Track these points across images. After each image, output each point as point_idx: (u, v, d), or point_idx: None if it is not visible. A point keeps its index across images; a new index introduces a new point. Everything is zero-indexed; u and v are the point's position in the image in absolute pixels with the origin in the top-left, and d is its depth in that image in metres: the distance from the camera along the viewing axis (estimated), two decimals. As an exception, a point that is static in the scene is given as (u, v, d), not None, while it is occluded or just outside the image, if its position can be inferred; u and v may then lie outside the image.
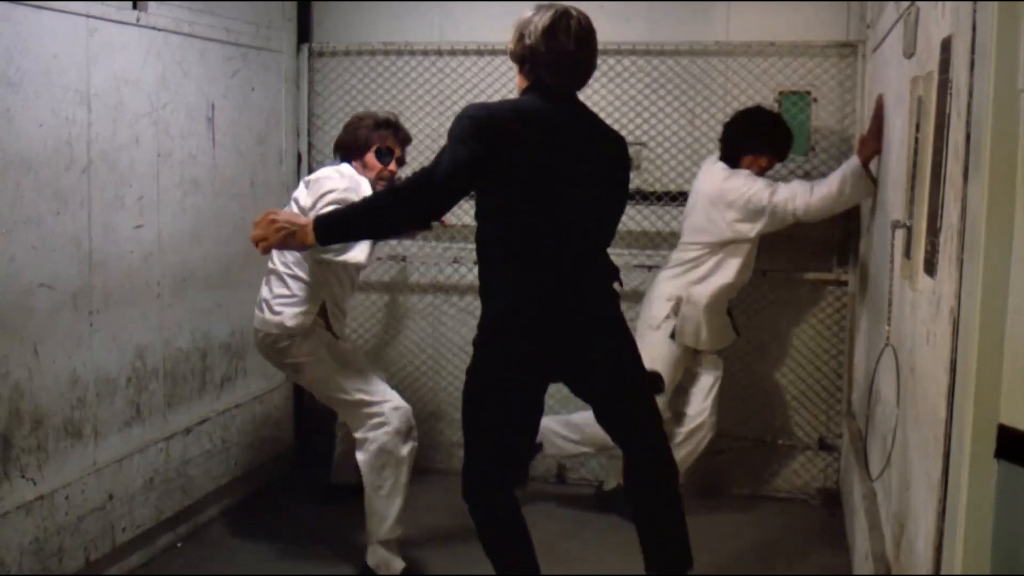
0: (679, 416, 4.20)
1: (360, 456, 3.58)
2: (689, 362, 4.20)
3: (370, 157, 3.64)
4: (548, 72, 2.78)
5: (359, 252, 3.41)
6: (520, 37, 2.78)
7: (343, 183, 3.49)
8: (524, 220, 2.74)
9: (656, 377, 3.90)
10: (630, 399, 3.00)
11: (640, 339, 4.00)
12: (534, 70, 2.79)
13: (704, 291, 4.05)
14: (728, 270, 4.06)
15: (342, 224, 2.86)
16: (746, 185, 3.97)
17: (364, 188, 3.53)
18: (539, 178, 2.72)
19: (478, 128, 2.66)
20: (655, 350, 3.99)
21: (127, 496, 3.62)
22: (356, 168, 3.65)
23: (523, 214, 2.74)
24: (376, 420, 3.56)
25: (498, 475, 2.93)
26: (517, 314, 2.79)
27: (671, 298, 4.08)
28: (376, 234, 3.20)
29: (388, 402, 3.58)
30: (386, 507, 3.54)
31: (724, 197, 3.99)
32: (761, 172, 4.09)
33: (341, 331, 3.76)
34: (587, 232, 2.86)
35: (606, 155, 2.90)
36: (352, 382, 3.61)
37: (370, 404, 3.58)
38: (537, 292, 2.78)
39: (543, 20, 2.75)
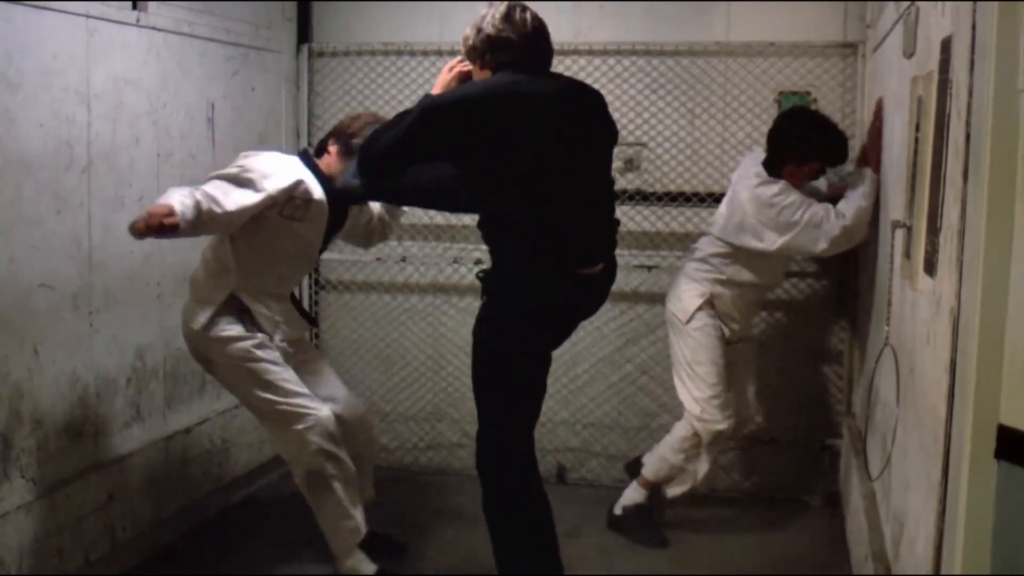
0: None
1: (296, 478, 3.48)
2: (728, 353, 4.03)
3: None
4: (514, 51, 2.89)
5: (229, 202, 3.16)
6: (477, 31, 2.91)
7: (242, 162, 3.27)
8: (526, 176, 2.81)
9: None
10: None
11: (674, 331, 3.99)
12: (498, 54, 2.89)
13: (727, 291, 3.94)
14: (748, 274, 3.93)
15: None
16: (778, 197, 3.76)
17: (269, 179, 3.25)
18: (532, 143, 2.80)
19: (451, 109, 2.82)
20: (691, 341, 3.93)
21: (127, 496, 3.62)
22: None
23: (529, 177, 2.81)
24: (295, 442, 3.39)
25: (523, 443, 2.96)
26: (550, 254, 2.86)
27: (702, 295, 3.94)
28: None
29: (305, 419, 3.36)
30: (334, 521, 3.45)
31: (751, 203, 3.80)
32: (808, 178, 3.92)
33: (279, 328, 3.48)
34: (589, 182, 2.97)
35: (590, 113, 3.00)
36: (268, 392, 3.37)
37: (287, 422, 3.38)
38: (568, 241, 2.87)
39: (498, 9, 2.91)
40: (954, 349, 1.98)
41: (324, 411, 3.41)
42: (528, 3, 3.00)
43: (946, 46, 2.24)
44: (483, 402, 2.95)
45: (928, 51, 2.55)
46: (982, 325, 1.81)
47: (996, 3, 1.77)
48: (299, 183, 3.33)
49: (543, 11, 3.05)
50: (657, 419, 4.60)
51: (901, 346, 2.80)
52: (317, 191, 3.39)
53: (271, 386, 3.36)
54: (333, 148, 3.46)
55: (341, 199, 3.48)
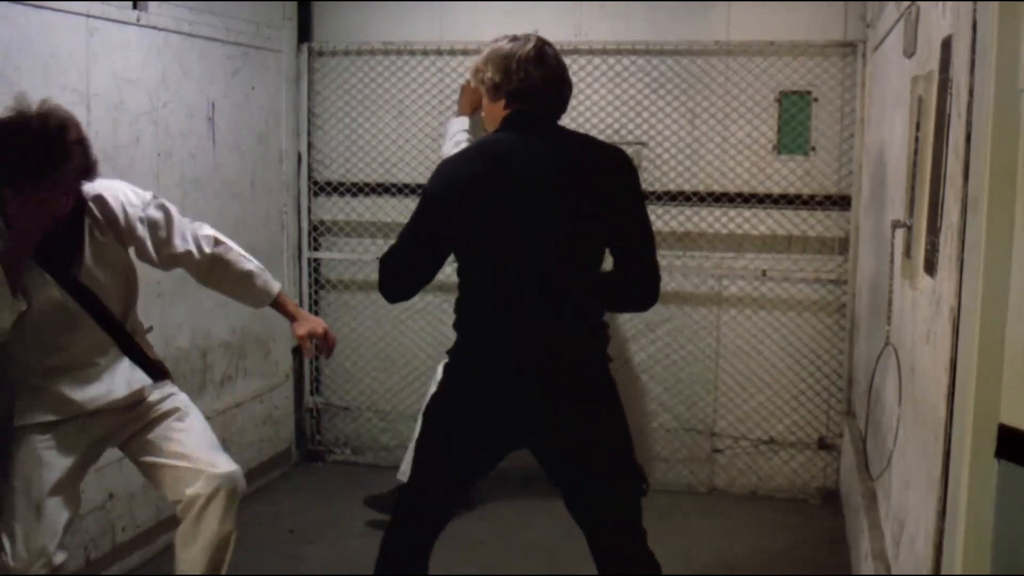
0: None
1: None
2: None
3: None
4: (535, 101, 2.62)
5: None
6: (505, 70, 2.61)
7: None
8: (492, 263, 2.55)
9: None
10: (604, 493, 2.59)
11: None
12: (518, 100, 2.62)
13: None
14: None
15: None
16: None
17: None
18: (509, 221, 2.52)
19: (435, 197, 2.56)
20: None
21: (127, 495, 3.62)
22: None
23: (491, 257, 2.55)
24: None
25: (414, 525, 2.75)
26: (480, 367, 2.57)
27: None
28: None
29: (6, 556, 2.63)
30: None
31: None
32: None
33: (34, 415, 2.71)
34: (565, 274, 2.54)
35: (598, 178, 2.60)
36: (9, 502, 2.67)
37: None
38: (504, 343, 2.53)
39: (528, 50, 2.62)
40: (954, 348, 1.98)
41: (24, 566, 2.63)
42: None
43: (946, 46, 2.24)
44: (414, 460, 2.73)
45: (928, 51, 2.55)
46: (982, 324, 1.81)
47: (996, 3, 1.77)
48: None
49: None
50: (657, 418, 4.60)
51: (901, 345, 2.80)
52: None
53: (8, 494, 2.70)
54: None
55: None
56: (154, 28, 3.74)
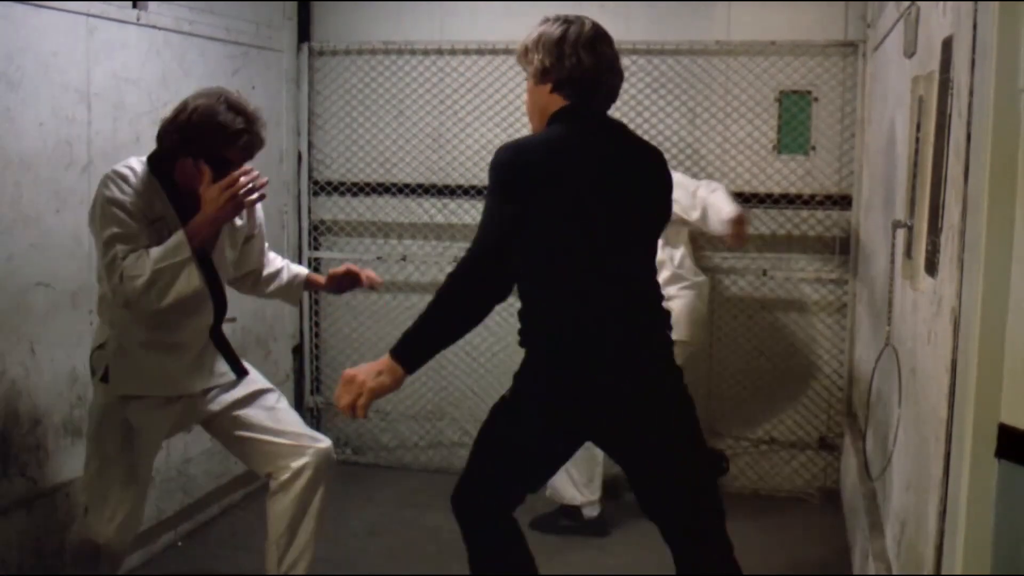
0: None
1: None
2: None
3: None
4: (591, 91, 2.50)
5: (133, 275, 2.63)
6: (558, 55, 2.47)
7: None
8: (566, 260, 2.44)
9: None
10: (677, 486, 2.53)
11: None
12: (567, 87, 2.49)
13: None
14: None
15: (423, 344, 2.55)
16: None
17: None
18: (579, 215, 2.43)
19: (510, 179, 2.40)
20: None
21: (127, 495, 3.62)
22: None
23: (565, 253, 2.44)
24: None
25: (496, 505, 2.66)
26: (557, 366, 2.48)
27: None
28: (458, 335, 2.62)
29: (91, 522, 2.83)
30: None
31: None
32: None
33: (129, 387, 2.82)
34: (633, 269, 2.54)
35: (648, 177, 2.57)
36: (94, 469, 2.85)
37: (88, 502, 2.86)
38: (580, 340, 2.45)
39: (583, 34, 2.48)
40: (955, 348, 1.97)
41: (112, 533, 2.84)
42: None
43: (947, 46, 2.24)
44: (479, 452, 2.64)
45: (929, 51, 2.54)
46: (983, 324, 1.81)
47: (997, 3, 1.76)
48: (146, 199, 2.76)
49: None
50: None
51: (902, 345, 2.80)
52: (161, 209, 2.77)
53: (97, 465, 2.86)
54: (184, 154, 2.76)
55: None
56: (154, 28, 3.74)
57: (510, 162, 2.41)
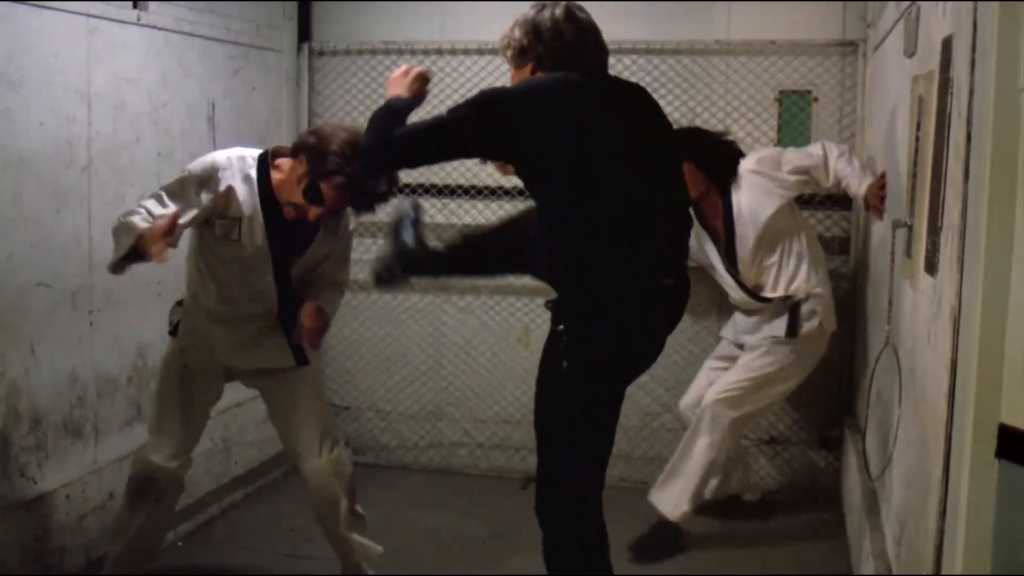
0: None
1: None
2: None
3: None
4: (577, 55, 2.53)
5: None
6: (536, 32, 2.53)
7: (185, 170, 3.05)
8: (611, 202, 2.45)
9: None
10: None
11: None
12: (558, 60, 2.52)
13: None
14: None
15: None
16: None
17: (225, 173, 2.99)
18: (605, 154, 2.45)
19: (513, 109, 2.42)
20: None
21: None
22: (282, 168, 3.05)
23: (609, 196, 2.45)
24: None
25: (591, 493, 2.63)
26: (620, 311, 2.48)
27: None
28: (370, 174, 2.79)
29: (146, 449, 3.20)
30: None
31: None
32: None
33: (196, 345, 3.18)
34: (664, 212, 2.59)
35: (653, 122, 2.65)
36: (155, 406, 3.27)
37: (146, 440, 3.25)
38: (639, 279, 2.49)
39: (557, 11, 2.55)
40: (955, 348, 1.97)
41: (162, 460, 3.18)
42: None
43: (947, 45, 2.24)
44: (560, 440, 2.57)
45: (929, 50, 2.55)
46: (983, 324, 1.81)
47: (997, 3, 1.77)
48: (227, 193, 2.97)
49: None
50: (658, 419, 4.60)
51: (902, 345, 2.80)
52: (249, 207, 2.98)
53: (162, 406, 3.22)
54: (292, 163, 3.00)
55: (297, 221, 3.05)
56: (154, 28, 3.74)
57: (527, 92, 2.47)
